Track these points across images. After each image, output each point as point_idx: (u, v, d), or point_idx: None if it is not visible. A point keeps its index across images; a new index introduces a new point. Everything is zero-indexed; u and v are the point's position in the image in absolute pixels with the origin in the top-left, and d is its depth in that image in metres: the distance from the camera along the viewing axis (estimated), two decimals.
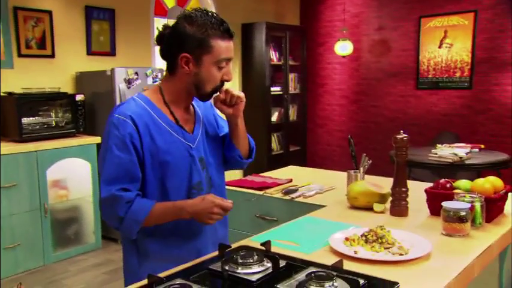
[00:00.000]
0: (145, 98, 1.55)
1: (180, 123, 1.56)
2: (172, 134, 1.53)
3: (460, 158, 3.73)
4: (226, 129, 1.73)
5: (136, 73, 4.18)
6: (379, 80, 6.52)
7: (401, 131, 1.85)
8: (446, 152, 3.83)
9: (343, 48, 6.10)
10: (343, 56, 6.35)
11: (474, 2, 5.71)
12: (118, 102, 4.07)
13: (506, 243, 1.73)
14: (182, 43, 1.47)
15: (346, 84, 6.80)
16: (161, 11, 5.48)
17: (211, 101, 1.64)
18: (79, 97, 4.14)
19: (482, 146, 4.44)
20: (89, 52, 4.61)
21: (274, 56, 6.41)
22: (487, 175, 1.96)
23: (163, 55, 1.55)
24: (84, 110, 4.18)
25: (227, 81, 1.54)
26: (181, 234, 1.57)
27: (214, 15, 1.49)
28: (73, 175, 4.13)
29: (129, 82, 4.07)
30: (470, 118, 5.85)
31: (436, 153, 3.83)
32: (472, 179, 1.92)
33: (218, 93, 1.58)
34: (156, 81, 4.19)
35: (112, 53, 4.77)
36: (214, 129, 1.71)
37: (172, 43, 1.49)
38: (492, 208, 1.76)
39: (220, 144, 1.71)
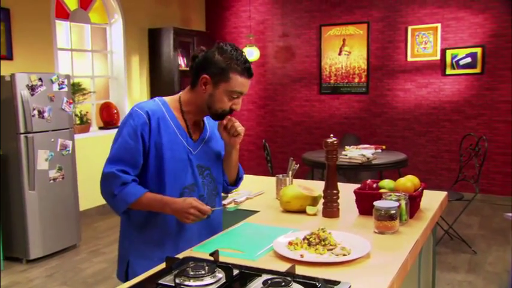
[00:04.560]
0: (165, 102, 1.78)
1: (188, 129, 1.78)
2: (177, 135, 1.74)
3: (368, 158, 3.97)
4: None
5: (40, 79, 3.85)
6: (285, 85, 6.75)
7: (332, 135, 1.93)
8: (356, 153, 4.05)
9: (250, 54, 6.21)
10: (250, 62, 6.47)
11: (366, 14, 6.16)
12: (20, 111, 3.76)
13: (426, 237, 1.89)
14: (207, 66, 1.70)
15: (253, 89, 6.93)
16: (63, 14, 5.15)
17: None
18: None
19: (384, 147, 4.77)
20: None
21: (182, 61, 6.34)
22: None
23: (191, 71, 1.75)
24: None
25: (235, 110, 1.76)
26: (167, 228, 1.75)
27: (243, 53, 1.72)
28: None
29: (32, 89, 3.74)
30: (368, 121, 6.28)
31: (346, 155, 4.05)
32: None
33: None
34: (62, 88, 3.92)
35: (8, 56, 4.39)
36: (220, 146, 1.88)
37: (200, 63, 1.72)
38: (413, 204, 1.91)
39: (221, 161, 1.90)
